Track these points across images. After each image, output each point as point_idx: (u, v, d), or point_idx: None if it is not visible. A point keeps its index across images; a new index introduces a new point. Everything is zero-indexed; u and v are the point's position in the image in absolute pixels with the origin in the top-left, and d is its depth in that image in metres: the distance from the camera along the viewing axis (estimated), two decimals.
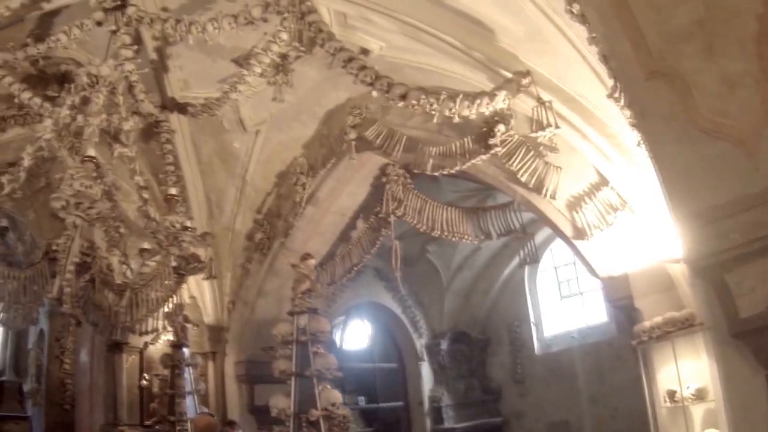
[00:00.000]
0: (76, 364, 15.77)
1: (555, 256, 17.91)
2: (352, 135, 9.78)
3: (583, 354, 16.74)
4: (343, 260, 11.07)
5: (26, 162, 6.93)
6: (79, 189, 5.94)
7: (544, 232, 14.86)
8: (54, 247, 6.83)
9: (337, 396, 8.52)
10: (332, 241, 11.59)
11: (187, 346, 9.98)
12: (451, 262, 17.26)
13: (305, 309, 9.02)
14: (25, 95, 8.79)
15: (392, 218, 10.33)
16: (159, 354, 12.01)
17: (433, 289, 17.65)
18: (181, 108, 9.65)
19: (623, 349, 15.37)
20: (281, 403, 8.48)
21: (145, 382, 12.00)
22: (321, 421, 8.18)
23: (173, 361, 9.99)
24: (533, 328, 18.24)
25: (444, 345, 18.04)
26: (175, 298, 7.49)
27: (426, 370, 18.25)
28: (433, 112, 7.04)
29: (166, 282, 6.84)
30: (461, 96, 7.07)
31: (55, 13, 8.69)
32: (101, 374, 12.45)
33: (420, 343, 18.22)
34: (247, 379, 12.09)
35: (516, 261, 17.47)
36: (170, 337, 12.04)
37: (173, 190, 7.59)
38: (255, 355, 11.86)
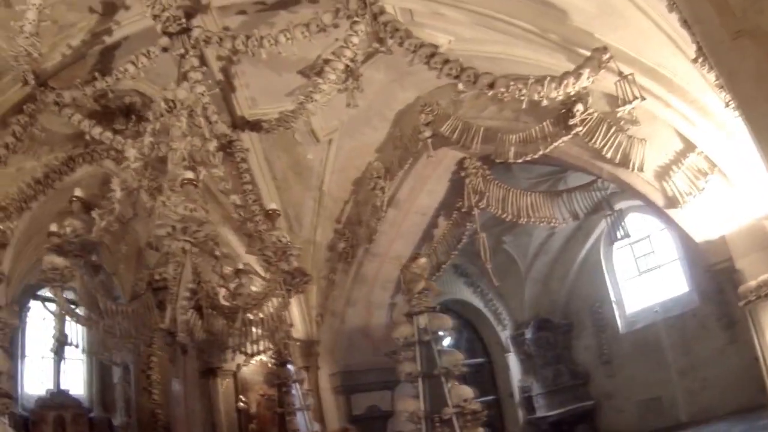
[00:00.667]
0: (167, 394, 15.86)
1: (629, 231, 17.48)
2: (427, 133, 9.74)
3: (667, 327, 16.51)
4: (429, 260, 10.87)
5: (117, 194, 6.84)
6: (184, 213, 5.81)
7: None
8: (156, 277, 6.73)
9: (468, 391, 8.34)
10: (415, 242, 11.50)
11: (291, 363, 9.83)
12: (527, 250, 17.10)
13: (424, 309, 8.81)
14: (96, 131, 8.84)
15: (476, 211, 10.17)
16: (252, 376, 11.99)
17: (512, 279, 17.49)
18: (254, 125, 9.61)
19: (707, 318, 15.22)
20: (411, 405, 8.33)
21: (242, 404, 11.96)
22: (454, 418, 7.96)
23: (280, 378, 9.89)
24: (615, 307, 17.99)
25: (528, 334, 17.86)
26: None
27: (513, 362, 18.10)
28: (521, 98, 6.94)
29: (278, 299, 6.69)
30: (548, 78, 6.97)
31: (115, 46, 8.79)
32: (197, 401, 12.49)
33: (504, 335, 18.09)
34: (344, 389, 12.05)
35: (591, 242, 17.29)
36: (263, 357, 12.02)
37: (273, 205, 7.45)
38: (350, 365, 11.86)
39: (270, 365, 12.11)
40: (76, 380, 18.28)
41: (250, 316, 6.62)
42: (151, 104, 9.05)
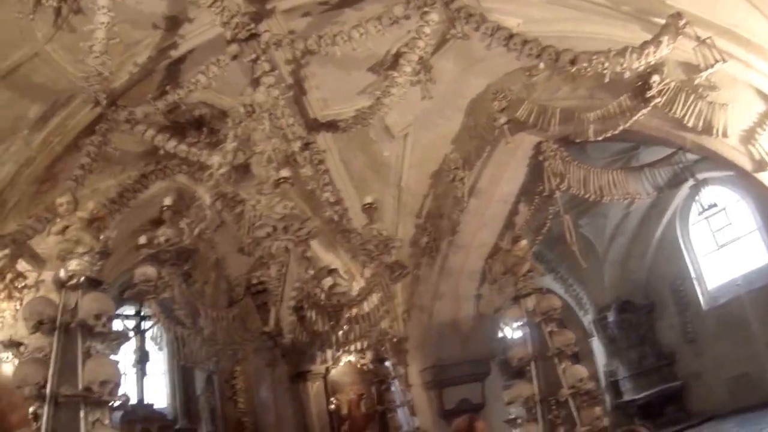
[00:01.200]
0: (253, 401, 16.01)
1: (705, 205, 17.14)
2: (503, 119, 9.63)
3: (751, 300, 16.20)
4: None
5: (207, 201, 6.87)
6: (284, 212, 5.80)
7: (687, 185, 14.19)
8: (254, 281, 6.73)
9: (582, 371, 8.18)
10: (498, 231, 11.32)
11: (388, 359, 9.77)
12: (603, 232, 16.90)
13: (531, 290, 8.65)
14: (170, 144, 8.94)
15: (557, 194, 10.05)
16: (341, 378, 12.00)
17: (591, 262, 17.12)
18: (329, 126, 9.62)
19: None
20: (525, 390, 8.18)
21: (333, 406, 11.98)
22: (570, 400, 7.82)
23: (378, 376, 9.81)
24: (696, 283, 17.72)
25: (611, 317, 17.68)
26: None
27: (597, 346, 17.84)
28: (604, 71, 6.86)
29: (381, 294, 6.64)
30: (629, 49, 6.88)
31: (181, 60, 8.91)
32: (288, 406, 12.55)
33: (587, 319, 17.89)
34: (435, 384, 11.95)
35: (667, 219, 16.99)
36: (351, 358, 12.03)
37: (369, 199, 7.40)
38: (440, 360, 11.78)
39: (359, 366, 12.14)
40: (158, 393, 18.62)
41: (353, 313, 6.56)
42: (225, 114, 9.19)
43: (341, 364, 12.02)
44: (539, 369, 8.29)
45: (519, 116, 9.52)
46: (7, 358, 10.50)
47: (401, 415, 9.66)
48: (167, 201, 6.75)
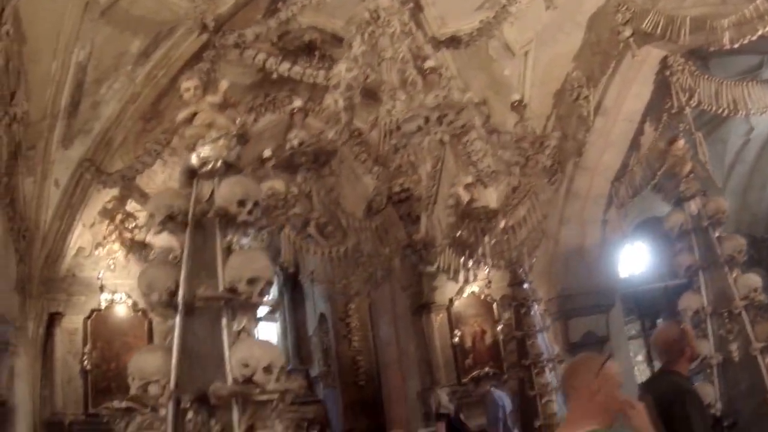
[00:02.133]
0: (368, 340, 16.05)
1: None
2: (627, 32, 9.15)
3: None
4: (642, 168, 10.32)
5: (340, 104, 6.67)
6: (436, 101, 5.44)
7: None
8: (397, 189, 6.46)
9: (756, 280, 7.38)
10: (624, 152, 10.89)
11: (526, 281, 9.38)
12: (723, 160, 16.02)
13: (695, 192, 8.04)
14: (283, 67, 8.71)
15: (687, 110, 9.54)
16: (465, 309, 11.86)
17: (708, 192, 16.41)
18: (450, 42, 9.30)
19: None
20: (694, 302, 7.56)
21: (456, 339, 11.86)
22: (743, 312, 7.07)
23: (517, 299, 9.37)
24: None
25: None
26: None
27: None
28: None
29: (540, 197, 6.32)
30: None
31: None
32: (411, 340, 12.46)
33: None
34: (561, 315, 11.58)
35: None
36: (475, 288, 11.83)
37: (517, 96, 7.09)
38: (566, 289, 11.44)
39: (483, 297, 11.93)
40: (269, 334, 18.91)
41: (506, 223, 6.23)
42: (336, 38, 9.04)
43: (465, 295, 11.95)
44: (708, 278, 7.56)
45: (645, 28, 9.00)
46: (121, 298, 10.76)
47: (541, 341, 9.20)
48: (297, 103, 6.52)
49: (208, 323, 4.37)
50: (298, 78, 8.93)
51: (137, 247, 10.61)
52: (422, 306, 11.97)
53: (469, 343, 12.00)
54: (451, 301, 12.01)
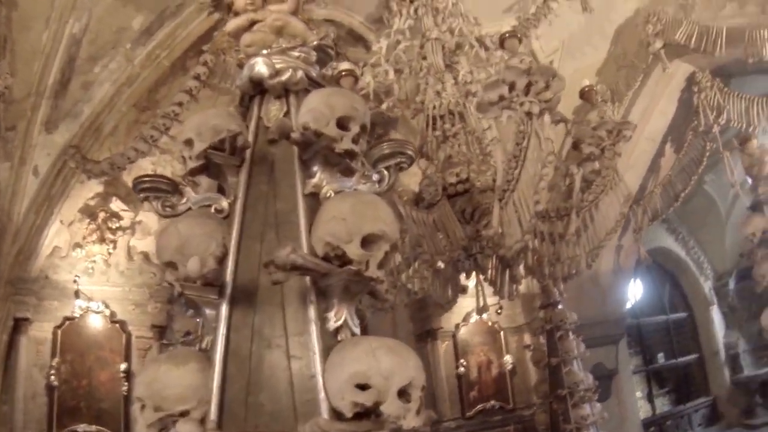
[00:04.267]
0: None
1: None
2: (658, 44, 8.82)
3: None
4: (665, 190, 9.76)
5: (390, 75, 6.24)
6: (523, 66, 4.69)
7: None
8: (453, 180, 5.71)
9: None
10: (643, 174, 10.36)
11: (561, 302, 8.51)
12: (728, 190, 15.50)
13: None
14: None
15: (716, 129, 9.12)
16: (471, 337, 11.25)
17: (712, 223, 16.09)
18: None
19: None
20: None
21: (461, 369, 11.15)
22: None
23: (553, 322, 8.46)
24: None
25: (731, 284, 16.41)
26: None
27: (716, 316, 16.63)
28: None
29: (616, 192, 5.61)
30: None
31: None
32: None
33: (707, 286, 16.67)
34: None
35: None
36: (485, 315, 11.04)
37: (586, 81, 6.41)
38: (580, 318, 10.63)
39: (490, 324, 11.14)
40: None
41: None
42: (353, 34, 8.69)
43: (471, 321, 11.21)
44: None
45: (678, 39, 8.65)
46: (98, 307, 9.83)
47: (577, 368, 8.27)
48: (344, 65, 5.68)
49: (277, 315, 2.76)
50: None
51: (120, 252, 9.81)
52: (427, 332, 11.14)
53: (474, 373, 11.23)
54: (457, 327, 11.25)
